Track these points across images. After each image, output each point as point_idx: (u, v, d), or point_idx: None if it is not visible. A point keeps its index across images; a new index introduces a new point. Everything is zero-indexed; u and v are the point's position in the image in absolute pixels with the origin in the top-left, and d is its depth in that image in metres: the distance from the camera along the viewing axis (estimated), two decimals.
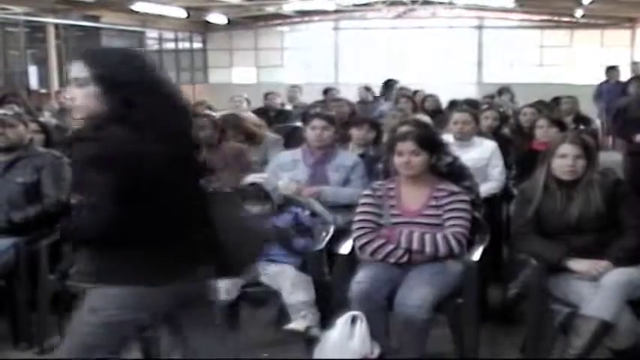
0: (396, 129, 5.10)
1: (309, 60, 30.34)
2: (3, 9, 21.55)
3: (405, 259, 4.18)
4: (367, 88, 13.81)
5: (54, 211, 4.78)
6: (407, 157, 4.25)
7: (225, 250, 2.83)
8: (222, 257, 2.86)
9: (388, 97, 12.44)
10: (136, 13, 23.28)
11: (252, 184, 4.62)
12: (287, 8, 27.29)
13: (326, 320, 4.14)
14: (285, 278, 4.30)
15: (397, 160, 4.29)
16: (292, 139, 6.97)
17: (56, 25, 22.81)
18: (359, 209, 4.39)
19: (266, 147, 6.57)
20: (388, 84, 13.98)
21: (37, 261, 4.59)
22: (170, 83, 2.84)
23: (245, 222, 3.03)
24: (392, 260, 4.19)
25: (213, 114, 5.87)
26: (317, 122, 5.38)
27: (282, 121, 9.92)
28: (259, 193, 4.56)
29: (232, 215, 2.93)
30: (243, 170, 5.18)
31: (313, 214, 4.77)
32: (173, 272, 2.73)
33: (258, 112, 9.43)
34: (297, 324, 4.12)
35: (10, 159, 4.86)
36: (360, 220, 4.33)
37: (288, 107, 12.01)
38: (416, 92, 12.05)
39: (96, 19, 24.18)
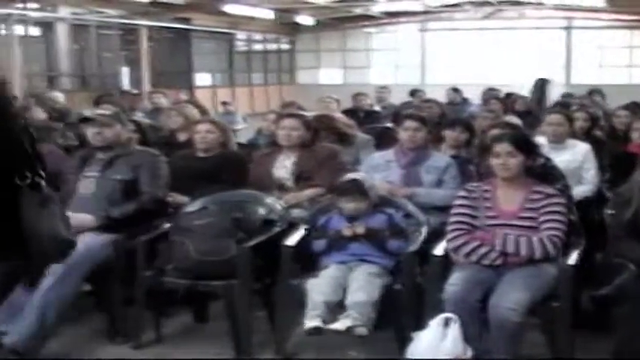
0: (488, 130, 5.07)
1: (396, 61, 30.28)
2: (98, 12, 22.10)
3: (499, 261, 4.15)
4: (455, 90, 13.73)
5: (151, 208, 4.91)
6: (503, 158, 4.23)
7: (29, 243, 2.84)
8: (28, 249, 2.85)
9: (541, 98, 12.35)
10: (226, 15, 23.59)
11: (353, 180, 4.66)
12: (374, 9, 27.29)
13: (419, 322, 4.14)
14: (355, 278, 4.30)
15: (493, 162, 4.28)
16: (383, 140, 6.96)
17: (148, 28, 23.29)
18: (454, 210, 4.37)
19: (357, 148, 6.58)
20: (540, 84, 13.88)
21: (134, 257, 4.67)
22: None
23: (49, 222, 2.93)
24: (486, 262, 4.17)
25: (304, 114, 5.90)
26: (409, 123, 5.38)
27: (371, 121, 9.92)
28: (358, 190, 4.59)
29: (38, 214, 2.87)
30: (337, 171, 5.22)
31: (407, 215, 4.78)
32: None
33: (347, 112, 9.45)
34: (339, 324, 4.10)
35: (109, 157, 4.98)
36: (454, 222, 4.32)
37: (377, 108, 12.02)
38: (509, 95, 11.97)
39: (187, 21, 24.58)
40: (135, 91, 19.99)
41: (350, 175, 4.81)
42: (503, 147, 4.25)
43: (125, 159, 4.97)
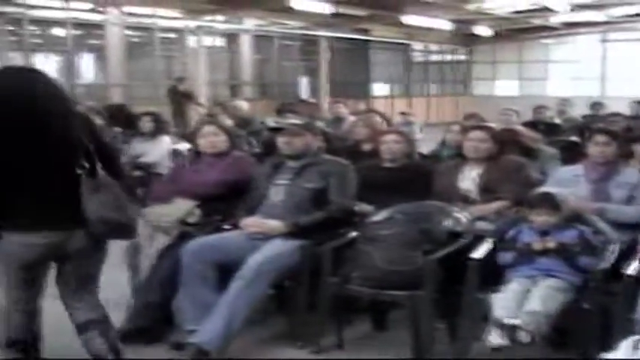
0: None
1: (575, 73, 29.49)
2: (281, 24, 22.66)
3: None
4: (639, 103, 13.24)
5: (339, 216, 4.98)
6: None
7: (95, 220, 3.70)
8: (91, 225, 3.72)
9: None
10: (404, 26, 23.67)
11: (545, 194, 4.61)
12: (554, 20, 26.70)
13: (605, 343, 4.02)
14: (536, 290, 4.21)
15: None
16: (568, 154, 6.79)
17: (328, 38, 23.69)
18: None
19: (542, 161, 6.46)
20: None
21: (320, 264, 4.74)
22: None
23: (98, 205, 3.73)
24: None
25: (492, 126, 5.83)
26: (600, 137, 5.23)
27: (553, 134, 9.70)
28: (550, 203, 4.53)
29: (88, 199, 3.70)
30: (524, 184, 5.14)
31: (595, 231, 4.65)
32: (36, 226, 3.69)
33: (527, 125, 9.26)
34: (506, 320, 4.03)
35: (299, 165, 5.08)
36: None
37: (557, 121, 11.75)
38: None
39: (365, 32, 24.84)
40: (313, 100, 20.39)
41: (542, 189, 4.73)
42: None
43: (315, 168, 5.07)
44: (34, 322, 3.98)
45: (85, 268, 4.03)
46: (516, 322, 4.00)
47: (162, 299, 4.94)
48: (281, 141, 5.17)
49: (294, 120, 5.50)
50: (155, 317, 4.95)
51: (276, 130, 5.32)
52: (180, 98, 15.89)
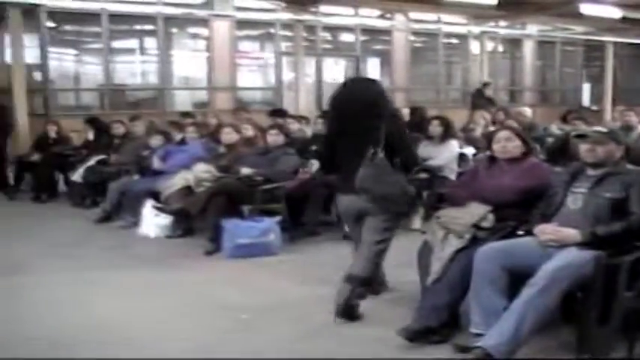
0: None
1: None
2: (565, 29, 22.21)
3: None
4: None
5: (638, 228, 4.82)
6: None
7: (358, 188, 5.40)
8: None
9: None
10: None
11: None
12: None
13: None
14: None
15: None
16: None
17: (614, 44, 22.93)
18: None
19: None
20: None
21: (615, 276, 4.60)
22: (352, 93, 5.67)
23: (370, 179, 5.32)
24: None
25: None
26: None
27: None
28: None
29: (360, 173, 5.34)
30: None
31: None
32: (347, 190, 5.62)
33: None
34: None
35: (600, 174, 5.00)
36: None
37: None
38: None
39: None
40: (594, 108, 19.81)
41: None
42: None
43: (616, 177, 4.95)
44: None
45: (369, 227, 5.61)
46: None
47: (451, 301, 5.05)
48: (584, 148, 5.11)
49: (598, 128, 5.39)
50: (442, 318, 5.04)
51: (580, 137, 5.23)
52: (484, 102, 16.06)
